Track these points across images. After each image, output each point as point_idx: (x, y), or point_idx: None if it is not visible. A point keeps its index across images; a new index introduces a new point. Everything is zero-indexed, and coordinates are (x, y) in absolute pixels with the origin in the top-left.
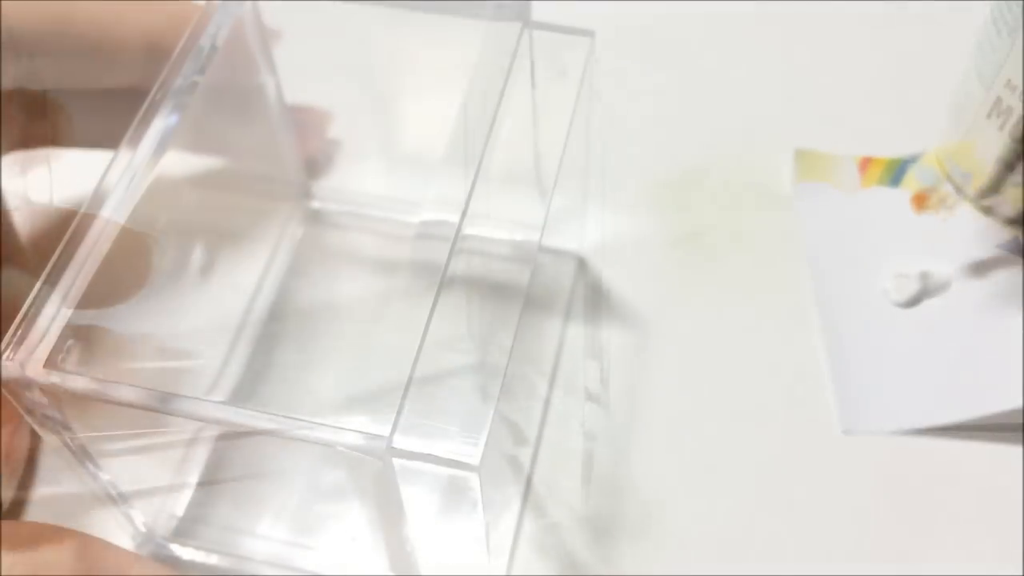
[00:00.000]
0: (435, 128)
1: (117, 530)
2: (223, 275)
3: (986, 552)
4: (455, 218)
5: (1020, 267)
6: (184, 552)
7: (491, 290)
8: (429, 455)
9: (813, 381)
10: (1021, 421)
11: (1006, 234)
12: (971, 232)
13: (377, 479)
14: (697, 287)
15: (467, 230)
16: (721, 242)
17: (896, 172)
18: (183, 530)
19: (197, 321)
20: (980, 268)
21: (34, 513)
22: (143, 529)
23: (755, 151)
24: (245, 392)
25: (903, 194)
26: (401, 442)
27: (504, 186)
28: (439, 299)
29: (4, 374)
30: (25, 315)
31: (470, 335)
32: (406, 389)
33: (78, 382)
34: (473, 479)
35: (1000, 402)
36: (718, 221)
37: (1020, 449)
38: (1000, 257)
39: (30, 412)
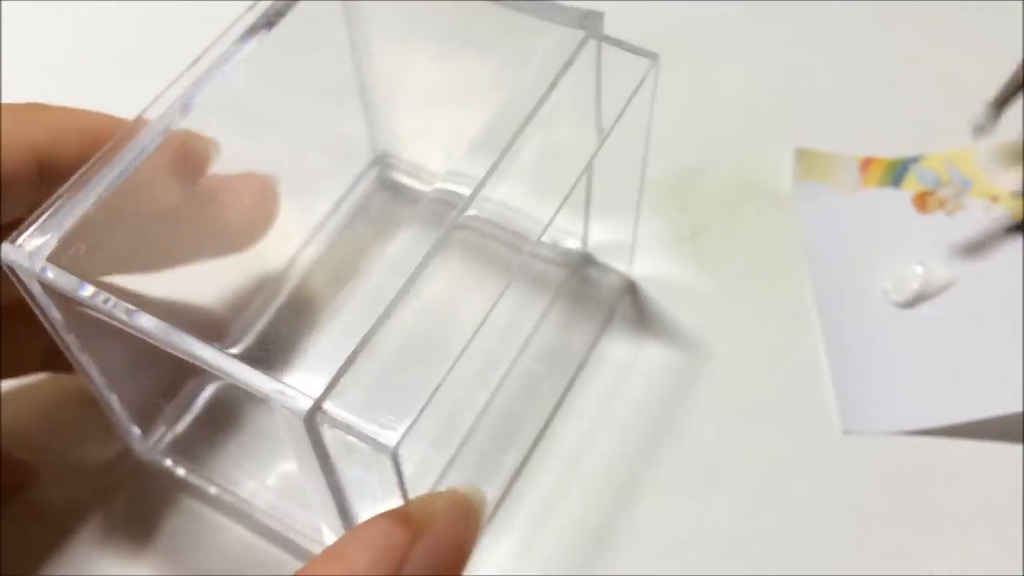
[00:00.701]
0: (502, 117)
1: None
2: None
3: (986, 552)
4: (464, 192)
5: (1020, 269)
6: (177, 468)
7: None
8: (348, 426)
9: (813, 381)
10: (1021, 422)
11: (1012, 220)
12: (971, 233)
13: (305, 443)
14: (696, 286)
15: (476, 212)
16: (721, 242)
17: (897, 172)
18: (178, 449)
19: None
20: (980, 269)
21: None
22: (138, 435)
23: (755, 151)
24: (250, 339)
25: (904, 194)
26: (330, 408)
27: (530, 180)
28: (418, 277)
29: (6, 255)
30: (46, 210)
31: (482, 323)
32: (350, 358)
33: (70, 282)
34: (386, 462)
35: (1000, 405)
36: (718, 221)
37: (1020, 449)
38: (1000, 258)
39: (33, 300)
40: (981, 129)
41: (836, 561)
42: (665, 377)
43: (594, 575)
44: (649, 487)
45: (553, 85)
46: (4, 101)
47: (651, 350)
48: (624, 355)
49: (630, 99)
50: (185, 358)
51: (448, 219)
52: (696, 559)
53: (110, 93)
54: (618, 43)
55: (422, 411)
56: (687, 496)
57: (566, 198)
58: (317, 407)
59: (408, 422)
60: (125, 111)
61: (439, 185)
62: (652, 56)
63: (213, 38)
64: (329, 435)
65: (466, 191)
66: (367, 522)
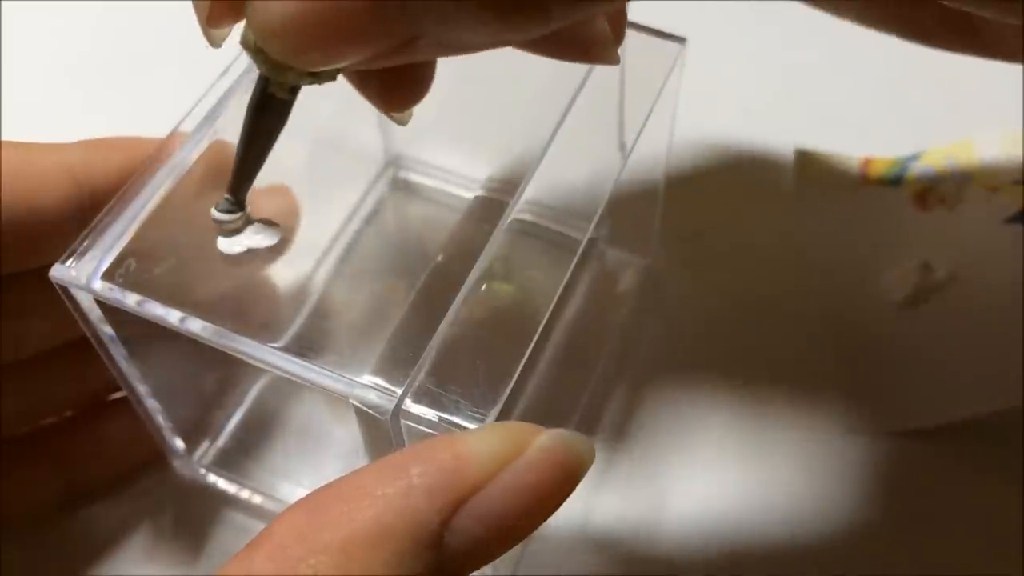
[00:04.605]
0: (518, 114)
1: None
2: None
3: (986, 552)
4: (507, 198)
5: (1020, 263)
6: (220, 482)
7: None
8: (436, 423)
9: (814, 380)
10: (1021, 420)
11: (1012, 210)
12: (971, 230)
13: (385, 440)
14: (696, 287)
15: (522, 215)
16: (721, 242)
17: (897, 172)
18: (223, 462)
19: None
20: (980, 262)
21: None
22: (182, 451)
23: (755, 151)
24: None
25: (904, 193)
26: (411, 406)
27: (569, 179)
28: (478, 276)
29: (58, 274)
30: (93, 228)
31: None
32: (426, 355)
33: (123, 294)
34: None
35: (1000, 400)
36: (718, 221)
37: (1020, 449)
38: (1000, 249)
39: (84, 320)
40: None
41: (836, 561)
42: (663, 377)
43: (593, 574)
44: (648, 485)
45: (584, 81)
46: (4, 102)
47: (648, 348)
48: (619, 353)
49: (663, 84)
50: (253, 363)
51: (497, 224)
52: (697, 559)
53: (110, 95)
54: (643, 29)
55: (503, 401)
56: (687, 495)
57: (607, 197)
58: (400, 405)
59: (495, 411)
60: (127, 113)
61: (481, 193)
62: (680, 40)
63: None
64: (408, 432)
65: (507, 196)
66: (442, 441)
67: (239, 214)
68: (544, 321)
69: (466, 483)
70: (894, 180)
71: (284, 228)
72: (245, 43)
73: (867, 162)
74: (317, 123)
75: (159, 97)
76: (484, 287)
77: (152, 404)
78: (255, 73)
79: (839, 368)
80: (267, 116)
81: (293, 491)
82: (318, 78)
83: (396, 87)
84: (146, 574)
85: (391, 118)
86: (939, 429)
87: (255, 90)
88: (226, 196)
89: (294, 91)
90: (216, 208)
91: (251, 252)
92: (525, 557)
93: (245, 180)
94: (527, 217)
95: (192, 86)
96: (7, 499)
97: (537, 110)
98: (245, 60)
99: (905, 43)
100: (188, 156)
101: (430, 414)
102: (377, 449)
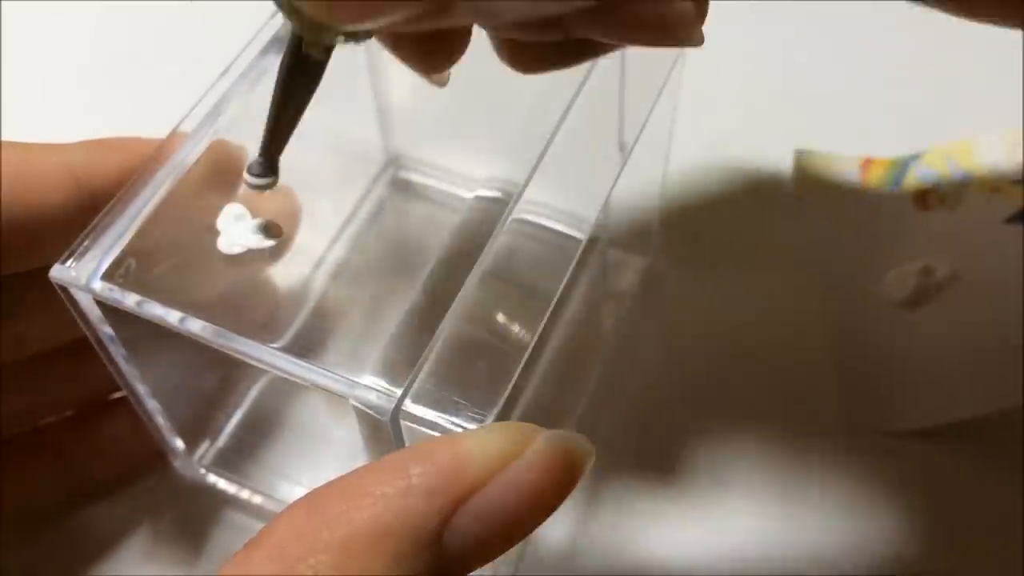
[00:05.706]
0: (518, 114)
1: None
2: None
3: (986, 552)
4: (507, 198)
5: (1020, 263)
6: (220, 482)
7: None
8: (436, 423)
9: (815, 380)
10: (1021, 420)
11: (1013, 210)
12: (971, 230)
13: (385, 440)
14: (697, 287)
15: (522, 214)
16: (721, 242)
17: (898, 172)
18: (223, 462)
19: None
20: (981, 262)
21: None
22: (182, 451)
23: (755, 151)
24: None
25: (905, 193)
26: (411, 406)
27: (569, 179)
28: (478, 276)
29: (57, 275)
30: (93, 229)
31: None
32: (426, 355)
33: (122, 295)
34: None
35: (1000, 400)
36: (718, 221)
37: (1020, 449)
38: (1001, 249)
39: (84, 321)
40: None
41: (837, 561)
42: (664, 376)
43: (593, 575)
44: (649, 485)
45: (584, 81)
46: (4, 102)
47: (650, 349)
48: (619, 353)
49: (664, 84)
50: (253, 363)
51: (496, 224)
52: (697, 558)
53: (110, 95)
54: None
55: (503, 402)
56: (688, 495)
57: (607, 197)
58: (400, 405)
59: (495, 412)
60: (127, 113)
61: (481, 193)
62: None
63: (223, 45)
64: (408, 432)
65: (507, 196)
66: (441, 441)
67: (271, 178)
68: (544, 321)
69: (465, 483)
70: (895, 181)
71: (285, 228)
72: (279, 1)
73: (867, 162)
74: (317, 123)
75: (159, 97)
76: (484, 287)
77: (152, 404)
78: (256, 72)
79: (839, 368)
80: (301, 77)
81: (293, 491)
82: (354, 37)
83: (431, 48)
84: (146, 574)
85: (429, 80)
86: (939, 429)
87: (288, 50)
88: (257, 159)
89: (328, 51)
90: (247, 171)
91: (251, 252)
92: (525, 557)
93: (278, 142)
94: (527, 217)
95: (192, 86)
96: (7, 499)
97: (537, 110)
98: (245, 60)
99: (904, 43)
100: (188, 156)
101: (430, 414)
102: (377, 449)
